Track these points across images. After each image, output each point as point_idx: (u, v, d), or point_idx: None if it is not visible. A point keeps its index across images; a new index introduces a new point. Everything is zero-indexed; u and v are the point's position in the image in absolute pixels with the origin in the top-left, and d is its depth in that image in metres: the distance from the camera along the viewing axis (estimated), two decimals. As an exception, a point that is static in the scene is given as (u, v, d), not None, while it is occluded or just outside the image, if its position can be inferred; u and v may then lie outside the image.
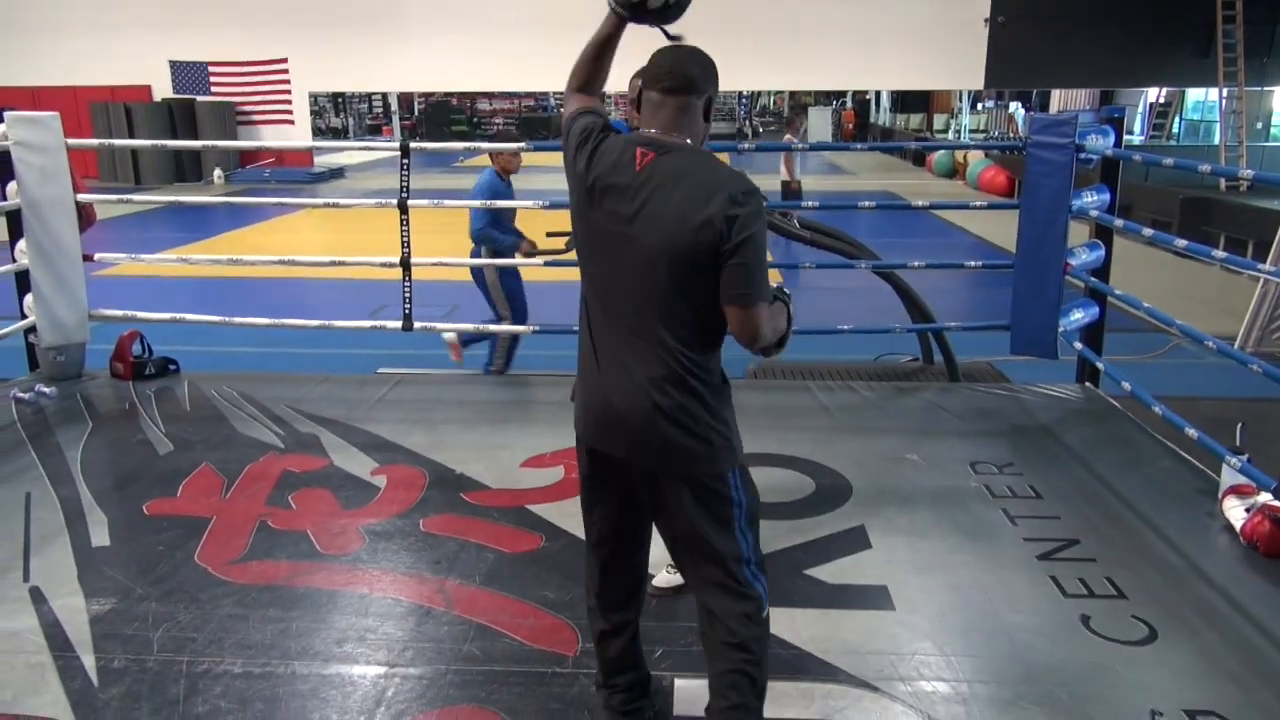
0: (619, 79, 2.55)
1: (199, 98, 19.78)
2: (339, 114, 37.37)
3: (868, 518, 3.54)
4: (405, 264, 5.06)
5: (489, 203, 5.35)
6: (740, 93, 35.49)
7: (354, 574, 3.15)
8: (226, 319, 5.31)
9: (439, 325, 5.63)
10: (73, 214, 4.93)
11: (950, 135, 28.52)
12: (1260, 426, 3.97)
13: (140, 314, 5.26)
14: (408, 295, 5.12)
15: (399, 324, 5.13)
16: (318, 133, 30.85)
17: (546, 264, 5.54)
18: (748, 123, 35.56)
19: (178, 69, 19.71)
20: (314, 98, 25.33)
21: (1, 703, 2.47)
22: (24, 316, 5.03)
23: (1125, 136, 4.93)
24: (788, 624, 2.79)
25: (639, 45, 2.33)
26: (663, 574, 2.96)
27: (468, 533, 3.42)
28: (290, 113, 19.74)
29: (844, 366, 5.87)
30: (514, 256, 5.73)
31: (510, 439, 4.34)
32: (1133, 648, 2.74)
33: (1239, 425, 3.75)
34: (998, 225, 11.47)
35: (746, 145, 6.74)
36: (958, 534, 3.43)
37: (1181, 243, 4.28)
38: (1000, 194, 17.69)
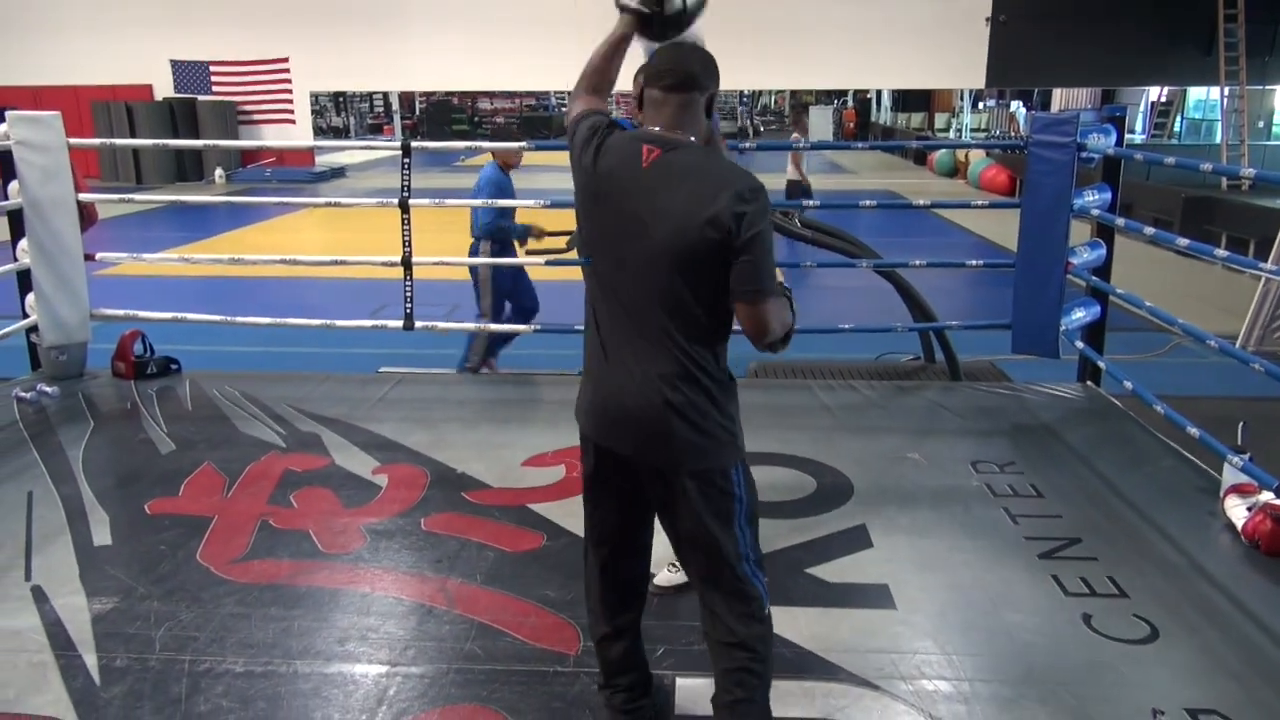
0: (624, 80, 2.56)
1: (200, 97, 19.77)
2: (340, 113, 37.42)
3: (869, 517, 3.54)
4: (406, 263, 5.06)
5: (491, 201, 5.39)
6: (741, 92, 35.49)
7: (355, 573, 3.15)
8: (228, 318, 5.31)
9: (440, 325, 5.63)
10: (74, 213, 4.93)
11: (951, 134, 28.52)
12: (1262, 425, 3.96)
13: (142, 313, 5.26)
14: (409, 294, 5.12)
15: (400, 323, 5.14)
16: (319, 132, 30.89)
17: (548, 263, 5.55)
18: (749, 121, 35.56)
19: (179, 68, 19.71)
20: (315, 97, 25.36)
21: (3, 701, 2.48)
22: (26, 316, 5.03)
23: (1127, 135, 4.93)
24: (789, 623, 2.79)
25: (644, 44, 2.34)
26: (664, 572, 2.96)
27: (469, 532, 3.42)
28: (291, 112, 19.74)
29: (845, 365, 5.87)
30: (521, 246, 5.78)
31: (511, 438, 4.34)
32: (1134, 646, 2.74)
33: (1240, 424, 3.75)
34: (999, 224, 11.47)
35: (748, 144, 6.74)
36: (959, 533, 3.43)
37: (1183, 242, 4.28)
38: (1001, 193, 17.69)
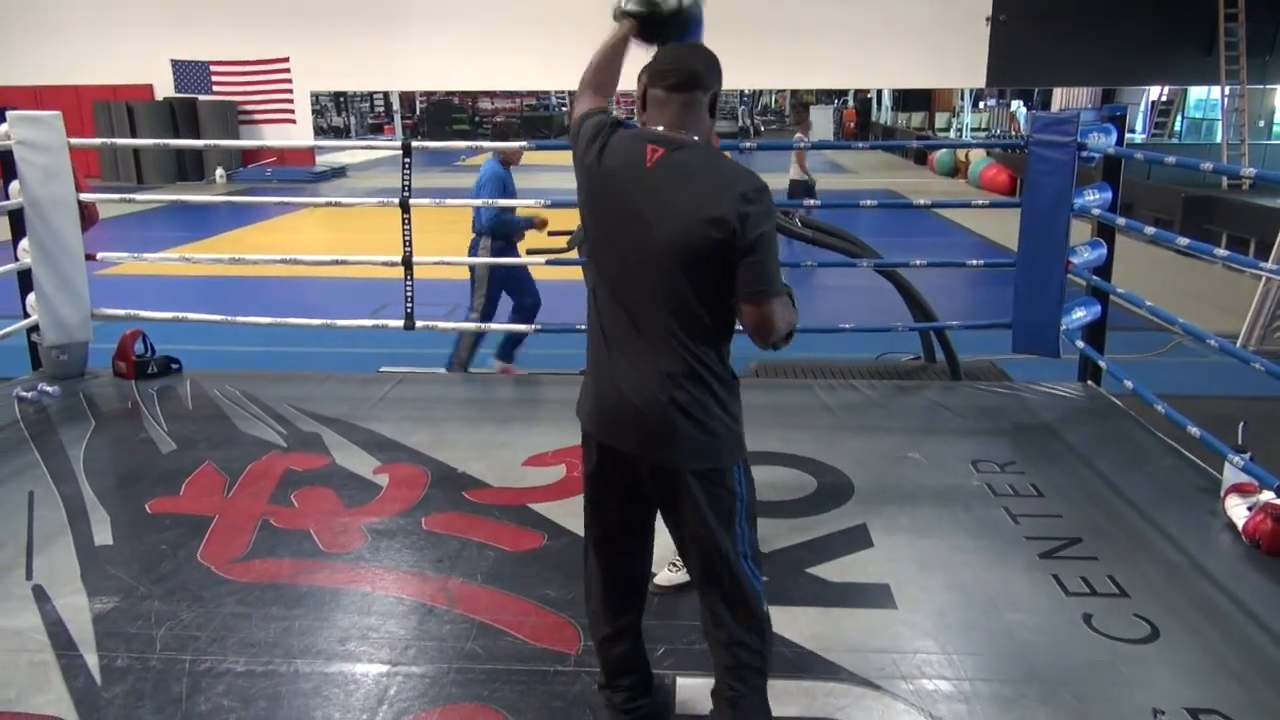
0: (628, 79, 2.56)
1: (201, 97, 19.79)
2: (340, 113, 37.42)
3: (869, 516, 3.54)
4: (407, 263, 5.06)
5: (492, 202, 5.42)
6: (741, 92, 35.48)
7: (356, 572, 3.15)
8: (229, 318, 5.31)
9: (441, 324, 5.64)
10: (75, 213, 4.93)
11: (952, 134, 28.52)
12: (1262, 425, 3.96)
13: (142, 313, 5.26)
14: (410, 294, 5.12)
15: (401, 323, 5.14)
16: (319, 132, 30.89)
17: (548, 263, 5.56)
18: (750, 121, 35.56)
19: (179, 68, 19.72)
20: (316, 97, 25.35)
21: (5, 701, 2.48)
22: (27, 315, 5.03)
23: (1127, 135, 4.93)
24: (790, 622, 2.79)
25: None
26: (664, 572, 2.96)
27: (470, 531, 3.43)
28: (292, 112, 19.75)
29: (846, 365, 5.87)
30: (535, 230, 5.82)
31: (512, 438, 4.34)
32: (1135, 646, 2.74)
33: (1241, 424, 3.75)
34: (999, 224, 11.47)
35: (749, 144, 6.74)
36: (960, 532, 3.43)
37: (1183, 241, 4.28)
38: (1002, 192, 17.69)
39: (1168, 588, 3.05)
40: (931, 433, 4.47)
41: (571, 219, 5.95)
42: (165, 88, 19.82)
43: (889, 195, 17.63)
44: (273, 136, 19.26)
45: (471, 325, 5.74)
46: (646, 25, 2.31)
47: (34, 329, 5.05)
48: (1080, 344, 5.04)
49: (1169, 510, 3.59)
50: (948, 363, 5.58)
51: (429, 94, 35.46)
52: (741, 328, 2.05)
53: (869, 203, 6.11)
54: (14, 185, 4.84)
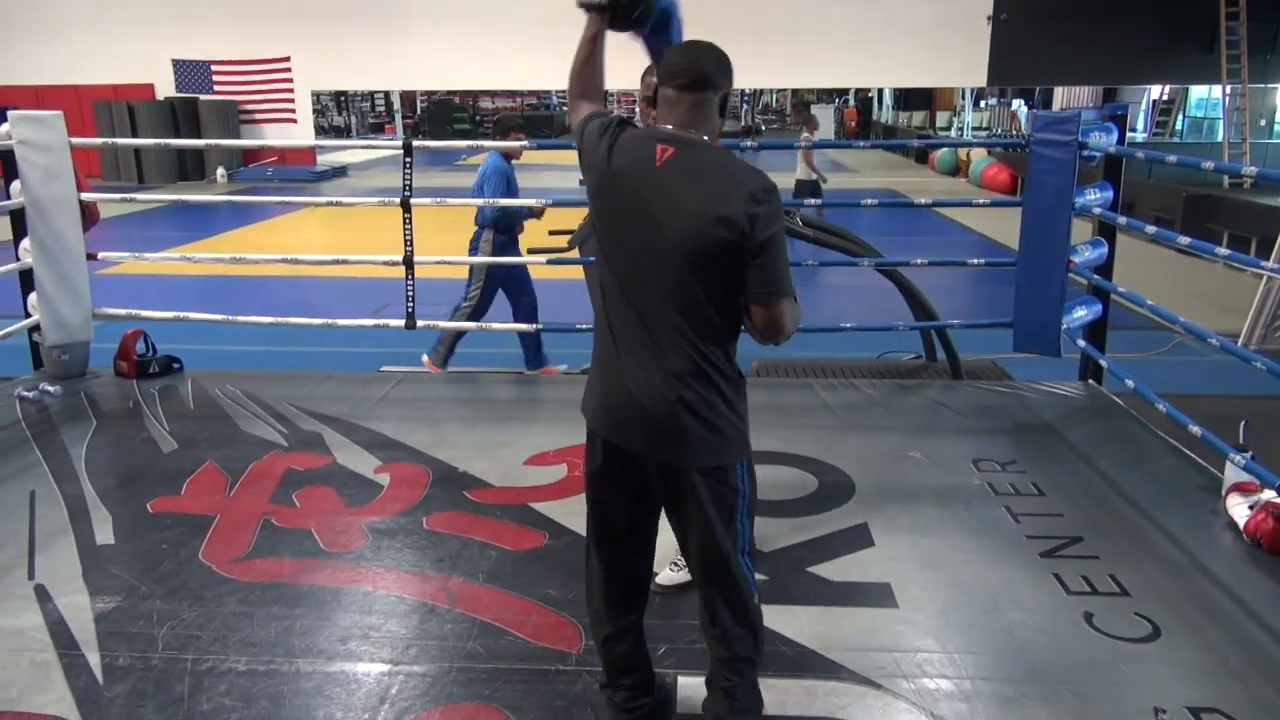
0: (630, 77, 2.57)
1: (202, 96, 19.79)
2: (341, 112, 37.43)
3: (871, 515, 3.54)
4: (408, 262, 5.07)
5: (493, 201, 5.43)
6: (742, 91, 35.47)
7: (357, 572, 3.15)
8: (230, 318, 5.31)
9: (442, 324, 5.64)
10: (76, 213, 4.93)
11: (953, 133, 28.52)
12: (1263, 424, 3.96)
13: (144, 312, 5.26)
14: (411, 294, 5.12)
15: (402, 322, 5.14)
16: (320, 131, 30.91)
17: (549, 262, 5.56)
18: (751, 120, 35.56)
19: (180, 68, 19.72)
20: (316, 96, 25.36)
21: (7, 700, 2.48)
22: (28, 315, 5.04)
23: (1128, 134, 4.92)
24: (791, 621, 2.80)
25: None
26: (665, 571, 2.96)
27: (471, 530, 3.43)
28: (293, 111, 19.75)
29: (847, 364, 5.87)
30: (523, 229, 5.85)
31: (513, 437, 4.34)
32: (1136, 645, 2.74)
33: (1242, 423, 3.75)
34: (1000, 223, 11.46)
35: (749, 143, 6.74)
36: (961, 531, 3.43)
37: (1185, 240, 4.27)
38: (1003, 191, 17.69)
39: (1169, 587, 3.05)
40: (932, 432, 4.46)
41: (571, 218, 5.99)
42: (166, 87, 19.82)
43: (890, 194, 17.63)
44: (274, 136, 19.27)
45: (472, 325, 5.74)
46: (614, 15, 2.30)
47: (35, 329, 5.05)
48: (1081, 343, 5.03)
49: (1170, 509, 3.59)
50: (949, 362, 5.58)
51: (430, 93, 35.47)
52: (746, 327, 2.06)
53: (870, 202, 6.11)
54: (15, 185, 4.84)
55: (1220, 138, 15.90)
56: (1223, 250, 4.32)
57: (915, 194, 17.26)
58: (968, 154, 21.15)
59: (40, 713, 2.44)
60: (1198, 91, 22.23)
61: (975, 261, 5.95)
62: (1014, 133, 23.87)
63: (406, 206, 5.04)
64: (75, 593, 3.00)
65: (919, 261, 5.53)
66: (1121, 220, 4.74)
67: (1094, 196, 4.73)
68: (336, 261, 5.94)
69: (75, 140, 4.96)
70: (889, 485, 3.83)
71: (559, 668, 2.62)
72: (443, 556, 3.25)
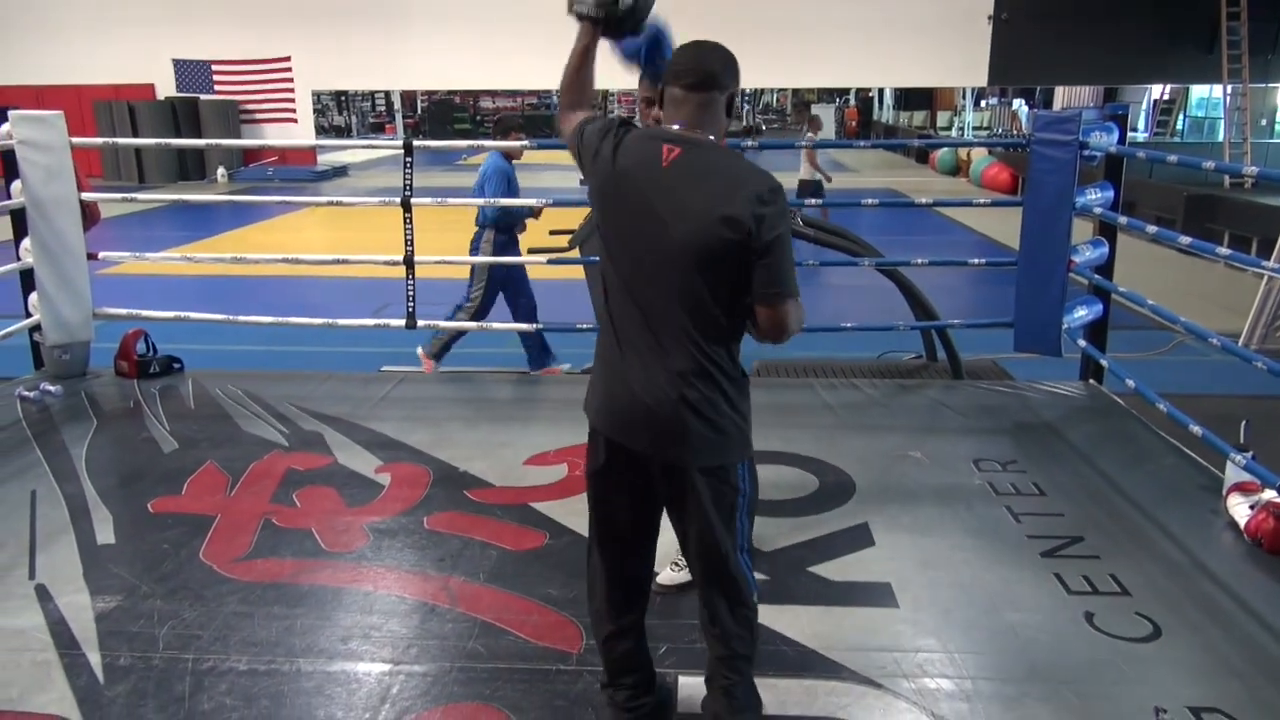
0: (629, 78, 2.57)
1: (202, 96, 19.80)
2: (342, 112, 37.45)
3: (871, 515, 3.54)
4: (408, 262, 5.07)
5: (493, 201, 5.43)
6: (743, 90, 35.48)
7: (358, 571, 3.15)
8: (230, 317, 5.32)
9: (443, 324, 5.65)
10: (77, 212, 4.94)
11: (954, 132, 28.53)
12: (1264, 424, 3.95)
13: (144, 312, 5.27)
14: (411, 293, 5.12)
15: (402, 322, 5.14)
16: (321, 131, 30.91)
17: (550, 262, 5.56)
18: (753, 120, 35.56)
19: (181, 68, 19.73)
20: (317, 96, 25.37)
21: (8, 700, 2.48)
22: (29, 315, 5.04)
23: (1129, 133, 4.92)
24: (791, 621, 2.80)
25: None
26: (666, 571, 2.96)
27: (472, 530, 3.43)
28: (293, 111, 19.75)
29: (847, 364, 5.87)
30: (524, 229, 5.85)
31: (513, 437, 4.34)
32: (1137, 644, 2.73)
33: (1243, 422, 3.75)
34: (1001, 222, 11.45)
35: (750, 143, 6.73)
36: (961, 531, 3.43)
37: (1185, 240, 4.27)
38: (1004, 191, 17.69)
39: (1170, 586, 3.05)
40: (933, 431, 4.46)
41: (571, 218, 5.99)
42: (167, 87, 19.83)
43: (890, 194, 17.63)
44: (274, 136, 19.28)
45: (473, 325, 5.74)
46: (606, 25, 2.30)
47: (36, 328, 5.05)
48: (1082, 343, 5.03)
49: (1171, 509, 3.59)
50: (949, 361, 5.57)
51: (430, 93, 35.49)
52: (749, 327, 2.07)
53: (870, 201, 6.11)
54: (16, 185, 4.85)
55: (1221, 137, 15.90)
56: (1224, 250, 4.32)
57: (916, 194, 17.25)
58: (968, 154, 21.15)
59: (41, 712, 2.44)
60: (1199, 91, 22.23)
61: (976, 261, 5.95)
62: (1015, 132, 23.88)
63: (407, 206, 5.04)
64: (76, 592, 3.00)
65: (919, 261, 5.52)
66: (1122, 220, 4.74)
67: (1095, 196, 4.73)
68: (337, 261, 5.94)
69: (76, 140, 4.96)
70: (890, 485, 3.83)
71: (560, 667, 2.62)
72: (443, 556, 3.25)
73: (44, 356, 5.16)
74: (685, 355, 2.02)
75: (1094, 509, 3.61)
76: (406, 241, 5.07)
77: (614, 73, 2.58)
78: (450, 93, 34.95)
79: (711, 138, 2.05)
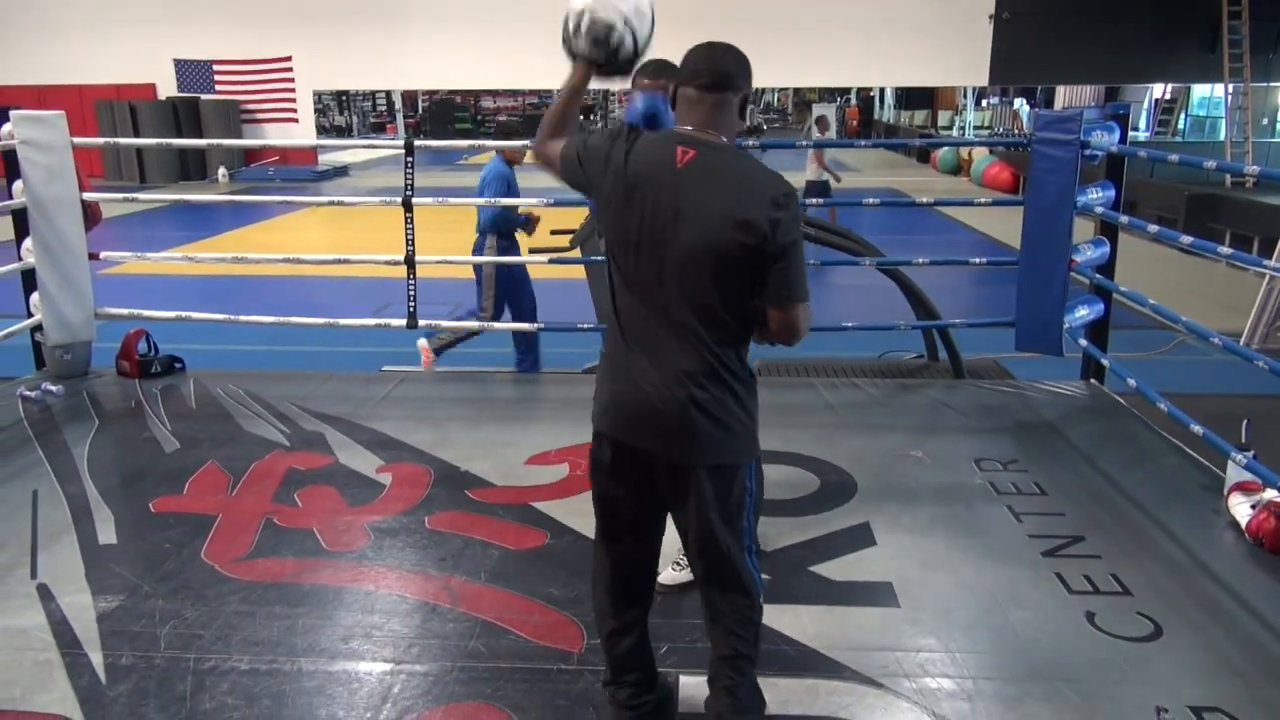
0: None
1: (203, 96, 19.82)
2: (343, 112, 37.47)
3: (872, 514, 3.54)
4: (409, 262, 5.07)
5: (494, 201, 5.42)
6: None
7: (360, 571, 3.16)
8: (232, 317, 5.32)
9: (444, 323, 5.65)
10: (78, 212, 4.94)
11: (955, 132, 28.52)
12: (1265, 423, 3.95)
13: (146, 312, 5.27)
14: (412, 293, 5.13)
15: (403, 322, 5.14)
16: (322, 131, 30.92)
17: (551, 261, 5.56)
18: (754, 120, 35.56)
19: (182, 68, 19.75)
20: (318, 96, 25.39)
21: (10, 700, 2.48)
22: (30, 315, 5.04)
23: (1130, 133, 4.92)
24: (792, 620, 2.80)
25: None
26: (668, 571, 2.96)
27: (473, 530, 3.43)
28: (294, 111, 19.77)
29: (848, 363, 5.87)
30: (529, 235, 5.85)
31: (515, 436, 4.34)
32: (1138, 644, 2.73)
33: (1244, 422, 3.75)
34: (1002, 222, 11.45)
35: (751, 143, 6.73)
36: (962, 531, 3.43)
37: (1187, 239, 4.27)
38: (1005, 190, 17.70)
39: (1171, 586, 3.05)
40: (934, 431, 4.46)
41: (572, 218, 5.99)
42: (168, 87, 19.86)
43: (892, 193, 17.61)
44: (275, 136, 19.30)
45: (474, 324, 5.74)
46: (600, 69, 2.31)
47: (38, 328, 5.06)
48: (1083, 342, 5.03)
49: (1172, 508, 3.59)
50: (950, 361, 5.58)
51: (431, 93, 35.49)
52: (757, 330, 2.08)
53: (872, 201, 6.12)
54: (17, 185, 4.85)
55: (1222, 137, 15.91)
56: (1225, 249, 4.31)
57: (917, 193, 17.23)
58: (969, 153, 21.15)
59: (43, 712, 2.44)
60: (1200, 90, 22.22)
61: (977, 261, 5.95)
62: (1016, 132, 23.88)
63: (408, 206, 5.04)
64: (78, 592, 3.00)
65: (921, 261, 5.52)
66: (1124, 219, 4.73)
67: (1096, 195, 4.73)
68: (338, 261, 5.94)
69: (77, 140, 4.96)
70: (891, 484, 3.83)
71: (561, 667, 2.62)
72: (445, 556, 3.25)
73: (45, 356, 5.16)
74: (694, 356, 2.03)
75: (1095, 508, 3.61)
76: (407, 241, 5.08)
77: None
78: (451, 92, 34.96)
79: (725, 139, 2.05)
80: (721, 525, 2.09)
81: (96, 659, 2.65)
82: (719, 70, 2.05)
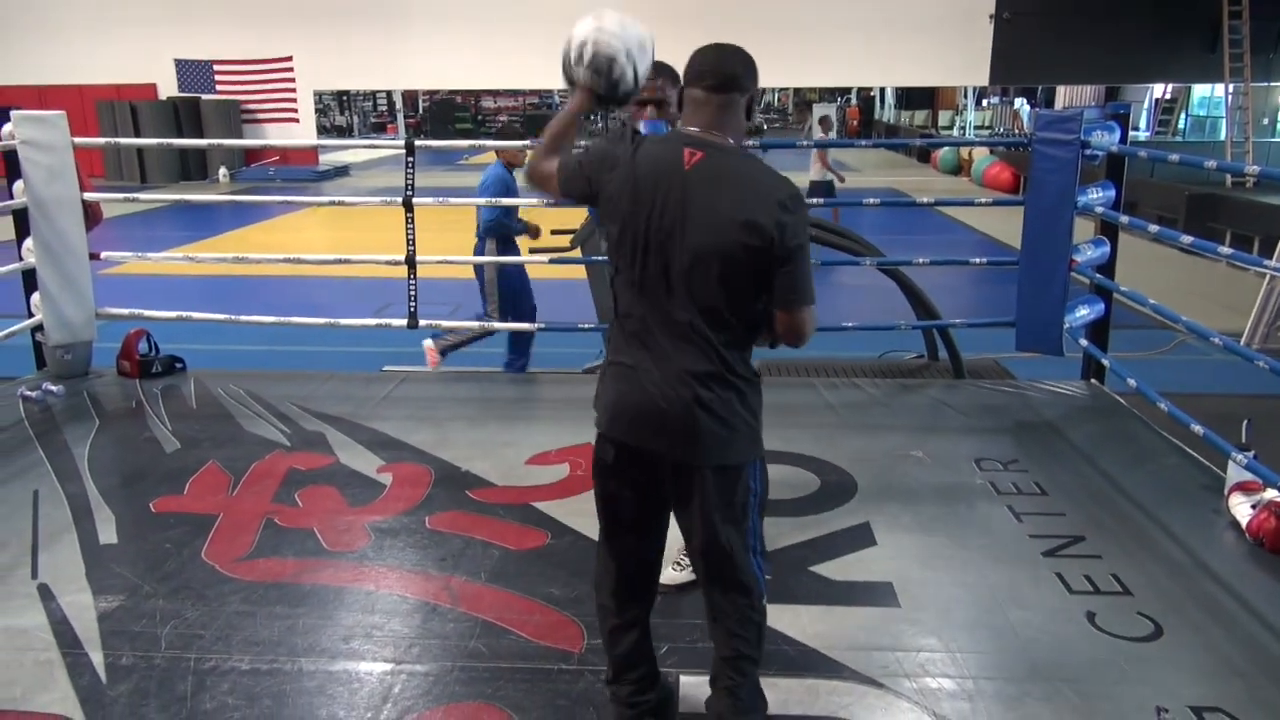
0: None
1: (204, 96, 19.82)
2: (344, 112, 37.48)
3: (873, 514, 3.54)
4: (410, 262, 5.07)
5: (495, 201, 5.42)
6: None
7: (360, 571, 3.16)
8: (232, 317, 5.32)
9: (444, 323, 5.65)
10: (79, 212, 4.94)
11: (955, 132, 28.53)
12: (1266, 423, 3.95)
13: (146, 312, 5.27)
14: (413, 293, 5.13)
15: (404, 322, 5.14)
16: (322, 131, 30.92)
17: (551, 261, 5.56)
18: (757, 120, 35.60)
19: (183, 67, 19.76)
20: (318, 96, 25.39)
21: (10, 700, 2.49)
22: (31, 315, 5.05)
23: (1131, 133, 4.92)
24: (793, 620, 2.80)
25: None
26: (669, 570, 2.96)
27: (473, 530, 3.43)
28: (295, 111, 19.78)
29: (849, 363, 5.87)
30: (537, 234, 5.85)
31: (515, 436, 4.34)
32: (1138, 644, 2.73)
33: (1245, 421, 3.75)
34: (1003, 222, 11.45)
35: (751, 143, 6.73)
36: (963, 530, 3.43)
37: (1187, 239, 4.26)
38: (1005, 190, 17.69)
39: (1171, 586, 3.05)
40: (935, 431, 4.46)
41: (572, 217, 5.99)
42: (169, 87, 19.87)
43: (892, 193, 17.61)
44: (276, 136, 19.31)
45: (476, 325, 5.74)
46: (600, 100, 2.32)
47: (38, 328, 5.06)
48: (1084, 342, 5.03)
49: (1173, 508, 3.59)
50: (951, 361, 5.58)
51: (432, 93, 35.50)
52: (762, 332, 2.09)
53: (872, 201, 6.12)
54: (18, 185, 4.85)
55: (1223, 136, 15.91)
56: (1225, 249, 4.31)
57: (917, 193, 17.24)
58: (970, 153, 21.15)
59: (44, 712, 2.44)
60: (1200, 90, 22.22)
61: (977, 260, 5.95)
62: (1016, 132, 23.87)
63: (409, 206, 5.04)
64: (78, 592, 3.00)
65: (921, 260, 5.52)
66: (1124, 219, 4.73)
67: (1096, 195, 4.73)
68: (339, 261, 5.94)
69: (78, 140, 4.96)
70: (891, 484, 3.83)
71: (561, 667, 2.62)
72: (445, 556, 3.25)
73: (46, 356, 5.16)
74: (699, 356, 2.03)
75: (1096, 508, 3.61)
76: (408, 241, 5.08)
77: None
78: (452, 92, 34.97)
79: (732, 141, 2.06)
80: (725, 525, 2.10)
81: (97, 659, 2.65)
82: (725, 72, 2.05)
